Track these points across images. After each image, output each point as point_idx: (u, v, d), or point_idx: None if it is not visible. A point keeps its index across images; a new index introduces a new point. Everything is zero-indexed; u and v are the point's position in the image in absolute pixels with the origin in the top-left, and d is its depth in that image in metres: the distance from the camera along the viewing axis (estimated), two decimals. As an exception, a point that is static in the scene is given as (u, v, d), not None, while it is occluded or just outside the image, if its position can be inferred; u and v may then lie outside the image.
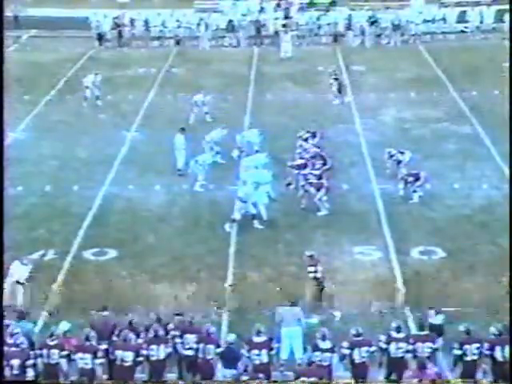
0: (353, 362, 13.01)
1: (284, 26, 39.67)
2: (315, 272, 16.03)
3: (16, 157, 23.58)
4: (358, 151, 23.97)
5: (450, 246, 18.43)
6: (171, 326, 13.72)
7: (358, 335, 13.16)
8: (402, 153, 22.02)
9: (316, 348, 13.03)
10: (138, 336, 13.48)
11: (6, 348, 12.51)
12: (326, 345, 12.99)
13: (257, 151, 23.48)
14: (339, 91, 29.60)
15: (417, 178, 20.65)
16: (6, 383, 12.12)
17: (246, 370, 12.61)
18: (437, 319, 14.06)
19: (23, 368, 12.66)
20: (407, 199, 20.60)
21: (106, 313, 14.54)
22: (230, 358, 13.10)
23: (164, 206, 21.09)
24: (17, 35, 40.11)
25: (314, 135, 23.09)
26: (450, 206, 20.54)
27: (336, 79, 30.00)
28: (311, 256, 16.31)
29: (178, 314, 14.18)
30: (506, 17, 39.66)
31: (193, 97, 27.60)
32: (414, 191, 20.64)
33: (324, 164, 21.34)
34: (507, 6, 41.38)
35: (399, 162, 21.79)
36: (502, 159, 23.12)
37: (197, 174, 21.99)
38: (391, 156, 22.00)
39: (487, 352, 12.93)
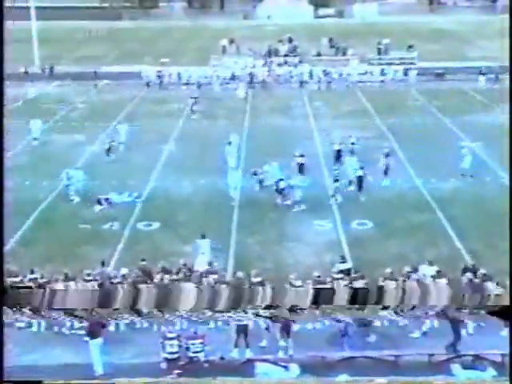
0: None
1: (268, 76, 39.34)
2: None
3: (92, 163, 23.53)
4: (317, 159, 23.64)
5: (376, 219, 18.21)
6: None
7: (319, 276, 13.20)
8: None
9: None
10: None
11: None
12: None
13: None
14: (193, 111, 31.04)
15: None
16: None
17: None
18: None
19: None
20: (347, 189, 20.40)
21: (144, 262, 14.46)
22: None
23: (189, 194, 20.62)
24: (95, 83, 39.93)
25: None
26: (377, 194, 20.19)
27: (195, 102, 31.56)
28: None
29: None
30: (410, 72, 40.27)
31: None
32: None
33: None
34: (411, 66, 41.47)
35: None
36: (408, 164, 22.96)
37: None
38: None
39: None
